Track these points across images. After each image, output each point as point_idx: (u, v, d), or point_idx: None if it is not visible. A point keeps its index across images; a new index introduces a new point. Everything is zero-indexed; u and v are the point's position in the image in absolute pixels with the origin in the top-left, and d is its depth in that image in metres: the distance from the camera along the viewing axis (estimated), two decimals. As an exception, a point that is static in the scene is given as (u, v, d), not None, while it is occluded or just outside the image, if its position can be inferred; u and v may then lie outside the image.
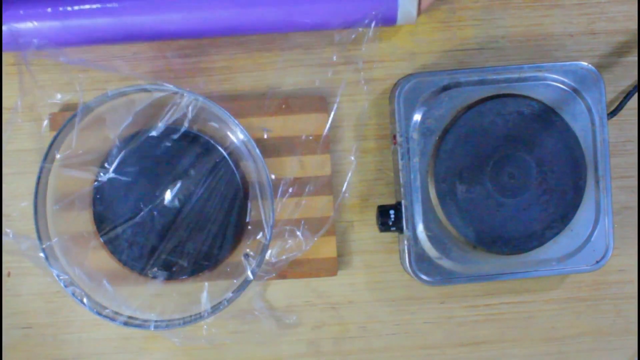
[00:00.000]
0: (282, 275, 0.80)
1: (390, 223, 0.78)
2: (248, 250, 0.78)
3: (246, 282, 0.75)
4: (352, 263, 0.83)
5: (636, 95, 0.82)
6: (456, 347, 0.84)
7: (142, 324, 0.75)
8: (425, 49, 0.82)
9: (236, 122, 0.74)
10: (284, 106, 0.79)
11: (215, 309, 0.75)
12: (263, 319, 0.81)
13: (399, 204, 0.78)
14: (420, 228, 0.78)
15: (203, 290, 0.77)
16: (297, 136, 0.80)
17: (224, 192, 0.77)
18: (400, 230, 0.78)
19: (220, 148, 0.76)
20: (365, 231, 0.83)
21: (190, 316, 0.76)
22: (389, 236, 0.82)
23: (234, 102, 0.80)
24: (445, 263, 0.78)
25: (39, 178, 0.74)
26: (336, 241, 0.82)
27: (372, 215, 0.81)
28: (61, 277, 0.74)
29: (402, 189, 0.78)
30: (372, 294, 0.84)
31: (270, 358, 0.83)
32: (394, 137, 0.78)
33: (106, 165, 0.76)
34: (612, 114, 0.81)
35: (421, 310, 0.84)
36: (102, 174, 0.75)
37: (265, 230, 0.74)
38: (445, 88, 0.77)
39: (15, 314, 0.82)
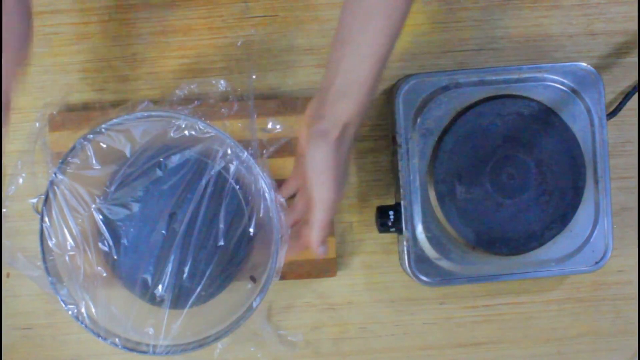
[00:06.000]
0: (281, 276, 0.80)
1: (390, 224, 0.78)
2: (254, 273, 0.77)
3: (249, 312, 0.74)
4: (351, 264, 0.83)
5: (635, 96, 0.82)
6: (455, 348, 0.84)
7: (148, 350, 0.73)
8: (425, 50, 0.82)
9: (243, 150, 0.73)
10: (284, 106, 0.79)
11: (221, 334, 0.74)
12: (270, 342, 0.81)
13: (398, 204, 0.78)
14: (419, 229, 0.78)
15: (209, 315, 0.76)
16: (297, 136, 0.79)
17: (228, 217, 0.75)
18: (399, 231, 0.78)
19: (227, 175, 0.75)
20: (364, 232, 0.83)
21: (196, 341, 0.74)
22: (388, 237, 0.82)
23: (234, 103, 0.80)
24: (445, 264, 0.78)
25: (41, 227, 0.72)
26: (335, 242, 0.82)
27: (371, 216, 0.81)
28: (69, 305, 0.73)
29: (401, 190, 0.78)
30: (371, 294, 0.84)
31: (270, 358, 0.83)
32: (394, 137, 0.78)
33: (106, 189, 0.74)
34: (611, 114, 0.81)
35: (420, 311, 0.84)
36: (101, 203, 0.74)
37: (273, 254, 0.73)
38: (445, 89, 0.77)
39: (15, 314, 0.82)
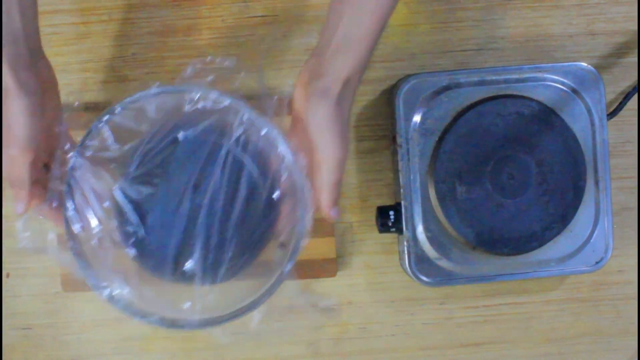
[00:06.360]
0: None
1: (390, 224, 0.78)
2: (282, 239, 0.74)
3: (282, 277, 0.72)
4: (351, 264, 0.83)
5: (636, 96, 0.82)
6: (456, 348, 0.84)
7: (185, 325, 0.72)
8: (425, 50, 0.82)
9: (262, 119, 0.71)
10: (284, 106, 0.79)
11: (256, 302, 0.72)
12: (305, 309, 0.80)
13: (398, 204, 0.78)
14: (419, 229, 0.78)
15: (243, 285, 0.75)
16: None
17: (251, 184, 0.73)
18: (399, 231, 0.78)
19: (246, 142, 0.73)
20: (364, 232, 0.83)
21: (233, 312, 0.72)
22: (388, 237, 0.82)
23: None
24: (445, 264, 0.78)
25: (66, 213, 0.70)
26: (335, 242, 0.81)
27: (371, 216, 0.81)
28: (101, 288, 0.71)
29: (401, 190, 0.78)
30: (371, 295, 0.84)
31: (269, 359, 0.83)
32: (394, 137, 0.78)
33: (127, 168, 0.72)
34: (611, 114, 0.81)
35: (421, 311, 0.84)
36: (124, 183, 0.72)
37: (300, 218, 0.71)
38: (445, 89, 0.77)
39: (15, 314, 0.82)
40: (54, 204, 0.69)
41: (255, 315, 0.74)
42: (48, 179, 0.69)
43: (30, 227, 0.71)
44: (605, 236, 0.79)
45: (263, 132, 0.71)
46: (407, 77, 0.78)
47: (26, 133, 0.63)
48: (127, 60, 0.81)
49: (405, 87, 0.77)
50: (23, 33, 0.63)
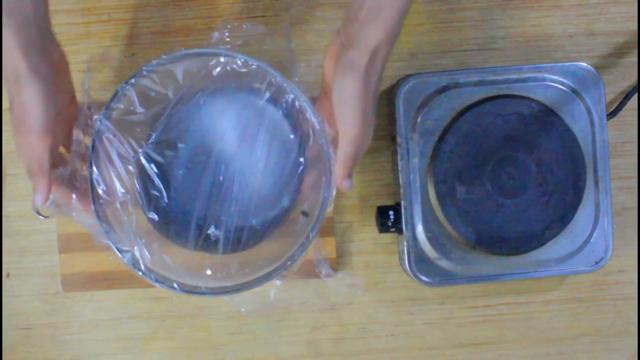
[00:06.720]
0: (281, 275, 0.80)
1: (390, 224, 0.78)
2: (305, 207, 0.74)
3: (306, 242, 0.72)
4: (351, 264, 0.83)
5: (635, 96, 0.82)
6: (455, 348, 0.84)
7: (206, 292, 0.72)
8: (425, 50, 0.82)
9: (287, 81, 0.71)
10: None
11: (280, 268, 0.72)
12: (330, 283, 0.79)
13: (398, 204, 0.78)
14: (419, 229, 0.78)
15: (267, 252, 0.74)
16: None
17: (277, 149, 0.73)
18: (399, 231, 0.78)
19: (272, 107, 0.73)
20: (364, 232, 0.83)
21: (256, 279, 0.72)
22: (388, 237, 0.82)
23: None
24: (445, 264, 0.78)
25: (90, 177, 0.70)
26: (335, 242, 0.81)
27: (371, 216, 0.81)
28: (124, 252, 0.70)
29: (401, 190, 0.78)
30: (371, 294, 0.84)
31: (269, 359, 0.83)
32: (394, 137, 0.78)
33: (152, 132, 0.72)
34: (611, 114, 0.81)
35: (421, 311, 0.84)
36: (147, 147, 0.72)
37: (325, 184, 0.70)
38: (445, 89, 0.77)
39: (15, 314, 0.82)
40: (76, 179, 0.69)
41: (275, 284, 0.74)
42: (70, 153, 0.68)
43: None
44: (605, 236, 0.79)
45: (290, 97, 0.71)
46: (407, 77, 0.78)
47: (42, 118, 0.63)
48: (128, 60, 0.81)
49: (405, 87, 0.77)
50: (34, 16, 0.62)
